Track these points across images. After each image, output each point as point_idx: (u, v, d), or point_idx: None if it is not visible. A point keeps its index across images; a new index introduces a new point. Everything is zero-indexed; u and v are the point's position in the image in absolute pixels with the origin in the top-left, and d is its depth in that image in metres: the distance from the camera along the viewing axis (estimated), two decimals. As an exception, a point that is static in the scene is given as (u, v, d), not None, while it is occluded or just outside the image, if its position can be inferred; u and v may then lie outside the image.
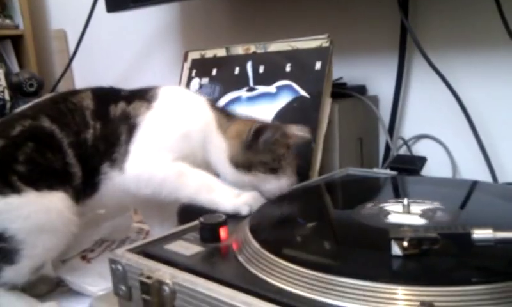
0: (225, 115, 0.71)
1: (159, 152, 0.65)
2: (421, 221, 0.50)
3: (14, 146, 0.61)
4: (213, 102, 0.75)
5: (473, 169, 0.84)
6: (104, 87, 0.69)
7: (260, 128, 0.67)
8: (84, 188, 0.64)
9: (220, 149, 0.68)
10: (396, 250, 0.42)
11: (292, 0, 1.09)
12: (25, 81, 1.61)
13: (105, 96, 0.68)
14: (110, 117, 0.66)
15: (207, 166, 0.69)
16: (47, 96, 0.69)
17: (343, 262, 0.46)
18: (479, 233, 0.40)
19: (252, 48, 0.96)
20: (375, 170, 0.82)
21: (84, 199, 0.65)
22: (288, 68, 0.89)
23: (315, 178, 0.80)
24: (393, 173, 0.76)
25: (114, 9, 1.23)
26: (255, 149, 0.67)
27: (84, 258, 0.73)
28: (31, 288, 0.66)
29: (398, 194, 0.67)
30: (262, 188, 0.67)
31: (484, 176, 0.81)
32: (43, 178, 0.61)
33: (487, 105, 0.84)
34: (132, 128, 0.66)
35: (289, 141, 0.69)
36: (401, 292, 0.37)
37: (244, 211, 0.62)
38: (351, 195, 0.70)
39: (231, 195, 0.64)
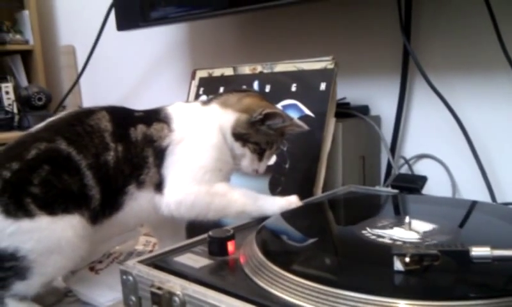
0: (232, 92, 0.75)
1: (198, 177, 0.69)
2: (422, 239, 0.52)
3: (29, 169, 0.62)
4: (209, 97, 0.78)
5: (472, 189, 0.86)
6: (117, 107, 0.71)
7: (271, 114, 0.71)
8: (103, 209, 0.66)
9: (228, 121, 0.71)
10: (398, 265, 0.44)
11: (298, 23, 1.12)
12: (33, 95, 1.65)
13: (122, 118, 0.69)
14: (132, 139, 0.67)
15: None
16: (60, 115, 0.69)
17: (347, 276, 0.48)
18: (477, 251, 0.42)
19: (259, 68, 0.98)
20: (377, 188, 0.84)
21: (103, 219, 0.67)
22: (293, 88, 0.92)
23: (318, 194, 0.82)
24: (395, 191, 0.78)
25: (125, 28, 1.26)
26: (257, 129, 0.71)
27: (92, 269, 0.75)
28: (39, 298, 0.68)
29: (399, 212, 0.70)
30: (241, 165, 0.73)
31: (483, 196, 0.83)
32: (59, 200, 0.62)
33: (486, 126, 0.86)
34: (159, 152, 0.68)
35: (288, 130, 0.74)
36: (403, 306, 0.39)
37: (290, 207, 0.69)
38: (354, 211, 0.72)
39: (273, 199, 0.71)
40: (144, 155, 0.67)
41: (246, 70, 1.01)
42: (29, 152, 0.63)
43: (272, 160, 0.90)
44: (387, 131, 0.98)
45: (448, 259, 0.44)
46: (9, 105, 1.76)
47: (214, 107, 0.73)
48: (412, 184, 0.78)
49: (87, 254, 0.67)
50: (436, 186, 0.90)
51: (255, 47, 1.23)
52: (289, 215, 0.67)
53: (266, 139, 0.72)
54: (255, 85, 0.97)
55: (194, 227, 0.73)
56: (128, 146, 0.66)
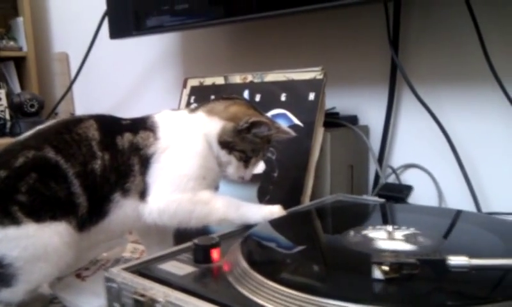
0: (218, 100, 0.76)
1: (181, 185, 0.69)
2: (403, 247, 0.53)
3: (16, 177, 0.62)
4: (197, 105, 0.79)
5: (458, 199, 0.87)
6: (105, 115, 0.72)
7: (257, 122, 0.71)
8: (90, 216, 0.66)
9: (214, 129, 0.72)
10: (377, 274, 0.44)
11: (289, 34, 1.14)
12: (26, 102, 1.65)
13: (110, 126, 0.70)
14: (118, 148, 0.68)
15: None
16: (49, 123, 0.70)
17: (328, 284, 0.48)
18: (455, 260, 0.43)
19: (249, 78, 0.99)
20: (364, 197, 0.85)
21: (90, 226, 0.67)
22: (283, 98, 0.93)
23: (306, 203, 0.83)
24: (381, 200, 0.79)
25: (117, 36, 1.27)
26: (243, 138, 0.71)
27: (78, 276, 0.75)
28: (25, 305, 0.67)
29: (384, 221, 0.70)
30: (227, 172, 0.73)
31: (468, 205, 0.84)
32: (46, 208, 0.62)
33: (472, 137, 0.87)
34: (145, 160, 0.69)
35: (275, 137, 0.75)
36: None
37: (272, 217, 0.69)
38: (340, 220, 0.72)
39: (257, 208, 0.71)
40: (130, 163, 0.67)
41: (236, 79, 1.02)
42: (17, 160, 0.63)
43: (261, 168, 0.91)
44: (375, 141, 0.99)
45: (427, 268, 0.44)
46: (2, 111, 1.75)
47: (201, 115, 0.74)
48: (398, 193, 0.79)
49: (73, 261, 0.67)
50: (423, 195, 0.91)
51: (247, 57, 1.24)
52: (275, 224, 0.68)
53: (252, 147, 0.72)
54: (246, 94, 0.98)
55: (182, 234, 0.74)
56: (115, 155, 0.67)
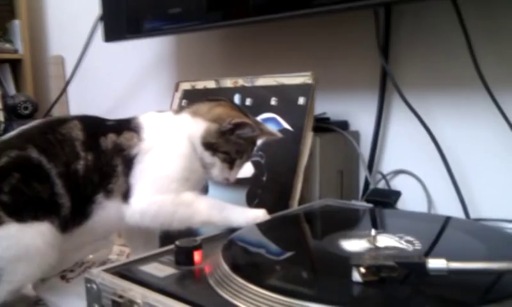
0: (203, 102, 0.76)
1: (163, 186, 0.69)
2: (384, 251, 0.52)
3: None
4: (182, 106, 0.79)
5: (447, 205, 0.87)
6: (90, 116, 0.72)
7: (240, 124, 0.71)
8: (73, 217, 0.66)
9: (198, 131, 0.71)
10: (356, 276, 0.44)
11: (281, 39, 1.14)
12: (20, 104, 1.65)
13: (94, 127, 0.69)
14: (102, 149, 0.68)
15: None
16: (32, 123, 0.70)
17: (307, 287, 0.48)
18: (433, 263, 0.43)
19: (240, 82, 0.99)
20: (353, 202, 0.84)
21: (73, 227, 0.67)
22: (273, 102, 0.92)
23: (294, 207, 0.83)
24: (369, 205, 0.79)
25: (112, 40, 1.27)
26: (227, 139, 0.71)
27: (63, 277, 0.74)
28: (8, 306, 0.67)
29: (370, 226, 0.70)
30: (212, 174, 0.72)
31: (457, 211, 0.83)
32: (29, 208, 0.62)
33: (461, 143, 0.87)
34: (128, 161, 0.68)
35: (260, 138, 0.75)
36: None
37: (256, 221, 0.68)
38: (325, 225, 0.72)
39: (241, 211, 0.70)
40: (113, 164, 0.67)
41: (228, 83, 1.02)
42: (0, 160, 0.63)
43: (250, 172, 0.91)
44: (366, 146, 0.99)
45: (406, 271, 0.44)
46: (-4, 113, 1.75)
47: (185, 116, 0.74)
48: (386, 199, 0.79)
49: (56, 263, 0.66)
50: (413, 201, 0.91)
51: (240, 61, 1.24)
52: (260, 227, 0.67)
53: (236, 149, 0.72)
54: (236, 98, 0.98)
55: (169, 236, 0.73)
56: (98, 155, 0.67)
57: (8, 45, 1.90)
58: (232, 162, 0.72)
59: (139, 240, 0.76)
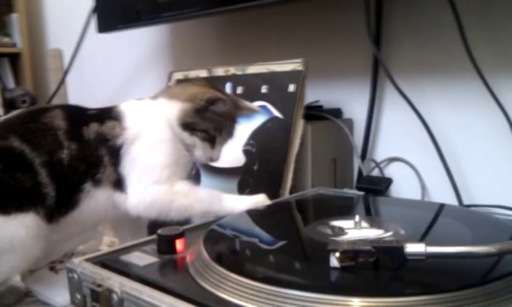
0: (178, 84, 0.76)
1: (156, 175, 0.68)
2: (366, 236, 0.52)
3: None
4: (158, 92, 0.78)
5: (441, 192, 0.85)
6: (72, 105, 0.71)
7: (213, 99, 0.70)
8: (58, 207, 0.66)
9: (174, 113, 0.71)
10: (334, 262, 0.43)
11: (275, 26, 1.13)
12: (18, 97, 1.65)
13: (76, 116, 0.69)
14: (85, 138, 0.67)
15: None
16: (14, 112, 0.69)
17: (286, 274, 0.47)
18: (411, 247, 0.42)
19: (232, 70, 0.98)
20: (344, 190, 0.83)
21: (59, 217, 0.66)
22: (264, 90, 0.91)
23: (285, 196, 0.82)
24: (360, 193, 0.78)
25: (105, 30, 1.27)
26: (203, 116, 0.70)
27: (52, 268, 0.74)
28: (-1, 298, 0.67)
29: (357, 213, 0.69)
30: (195, 155, 0.72)
31: (451, 198, 0.82)
32: (12, 199, 0.62)
33: (453, 130, 0.86)
34: (114, 151, 0.68)
35: (237, 113, 0.74)
36: (333, 302, 0.39)
37: (257, 206, 0.69)
38: (312, 213, 0.71)
39: (241, 198, 0.71)
40: (98, 154, 0.67)
41: (219, 71, 1.01)
42: None
43: (241, 161, 0.90)
44: (360, 134, 0.97)
45: (384, 256, 0.43)
46: (-5, 107, 1.76)
47: (161, 101, 0.73)
48: (377, 186, 0.78)
49: (43, 254, 0.66)
50: (406, 188, 0.90)
51: (234, 49, 1.23)
52: (245, 216, 0.67)
53: (214, 125, 0.71)
54: (228, 86, 0.97)
55: (156, 226, 0.73)
56: (82, 144, 0.66)
57: (6, 39, 1.90)
58: (212, 140, 0.72)
59: (127, 230, 0.76)
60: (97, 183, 0.67)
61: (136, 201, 0.68)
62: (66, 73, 1.62)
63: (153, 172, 0.68)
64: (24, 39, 1.91)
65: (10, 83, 1.93)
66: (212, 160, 0.73)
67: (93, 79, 1.70)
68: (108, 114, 0.70)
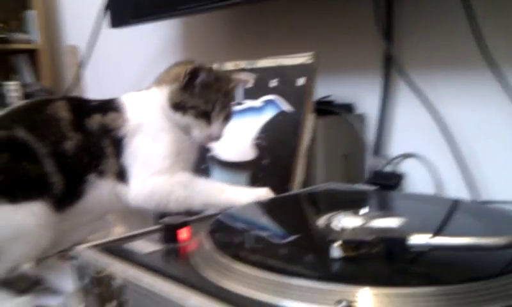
0: (165, 69, 0.75)
1: (156, 166, 0.69)
2: (369, 227, 0.50)
3: None
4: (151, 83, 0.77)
5: (455, 188, 0.83)
6: (76, 97, 0.72)
7: (196, 70, 0.69)
8: (65, 197, 0.66)
9: (164, 97, 0.70)
10: (335, 252, 0.42)
11: (289, 20, 1.12)
12: (35, 93, 1.68)
13: (80, 108, 0.69)
14: (88, 129, 0.68)
15: None
16: (21, 103, 0.70)
17: (289, 263, 0.46)
18: (415, 238, 0.41)
19: (242, 65, 0.98)
20: (355, 185, 0.82)
21: (66, 207, 0.67)
22: (274, 84, 0.91)
23: (294, 190, 0.81)
24: (371, 187, 0.76)
25: (117, 25, 1.28)
26: (191, 92, 0.69)
27: (61, 257, 0.75)
28: (10, 284, 0.68)
29: (364, 206, 0.67)
30: (193, 136, 0.71)
31: (465, 194, 0.80)
32: (20, 187, 0.63)
33: (467, 125, 0.84)
34: (116, 142, 0.68)
35: (229, 86, 0.73)
36: (335, 291, 0.38)
37: (261, 198, 0.67)
38: (320, 207, 0.70)
39: (243, 191, 0.69)
40: (101, 145, 0.67)
41: (229, 66, 1.00)
42: None
43: (252, 155, 0.89)
44: (372, 130, 0.96)
45: (387, 247, 0.42)
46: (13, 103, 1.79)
47: (153, 89, 0.73)
48: (387, 181, 0.76)
49: (52, 243, 0.67)
50: (420, 185, 0.88)
51: (245, 44, 1.23)
52: (252, 208, 0.66)
53: (204, 100, 0.70)
54: (238, 81, 0.97)
55: (165, 215, 0.73)
56: (86, 135, 0.67)
57: (24, 36, 1.94)
58: (206, 116, 0.70)
59: (136, 221, 0.76)
60: (101, 174, 0.67)
61: (135, 192, 0.68)
62: (82, 68, 1.64)
63: (154, 163, 0.68)
64: (42, 36, 1.94)
65: (29, 79, 1.97)
66: (212, 138, 0.71)
67: (108, 75, 1.71)
68: (110, 106, 0.71)
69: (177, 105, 0.70)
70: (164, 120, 0.70)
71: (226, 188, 0.70)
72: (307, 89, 0.85)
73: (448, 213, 0.59)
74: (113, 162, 0.67)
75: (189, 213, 0.65)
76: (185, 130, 0.71)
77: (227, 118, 0.73)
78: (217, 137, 0.72)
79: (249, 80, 0.75)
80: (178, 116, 0.70)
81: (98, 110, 0.69)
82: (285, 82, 0.89)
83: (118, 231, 0.86)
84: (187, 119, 0.70)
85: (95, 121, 0.68)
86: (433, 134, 0.86)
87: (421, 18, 0.89)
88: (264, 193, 0.70)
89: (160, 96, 0.71)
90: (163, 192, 0.67)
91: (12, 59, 1.98)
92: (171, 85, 0.70)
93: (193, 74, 0.69)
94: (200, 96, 0.69)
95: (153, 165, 0.68)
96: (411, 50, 0.90)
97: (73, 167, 0.65)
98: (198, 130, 0.70)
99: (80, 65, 1.62)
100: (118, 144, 0.68)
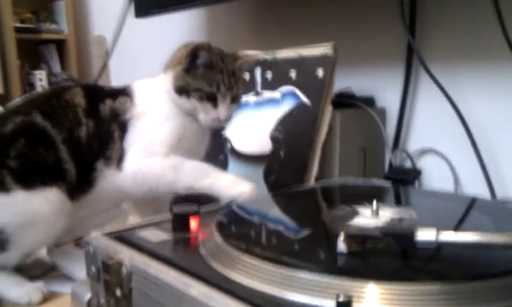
0: (173, 53, 0.75)
1: (152, 150, 0.68)
2: (378, 223, 0.49)
3: (5, 142, 0.64)
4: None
5: (474, 185, 0.81)
6: (91, 84, 0.73)
7: (195, 49, 0.68)
8: (79, 184, 0.67)
9: (169, 82, 0.70)
10: (341, 246, 0.42)
11: (311, 11, 1.10)
12: (62, 81, 1.71)
13: (94, 94, 0.70)
14: (101, 115, 0.68)
15: None
16: (40, 91, 0.72)
17: (297, 257, 0.46)
18: (422, 234, 0.40)
19: (262, 55, 0.97)
20: (373, 180, 0.81)
21: (79, 195, 0.68)
22: (293, 75, 0.90)
23: (310, 183, 0.80)
24: (387, 182, 0.75)
25: (142, 15, 1.29)
26: (193, 74, 0.68)
27: (77, 244, 0.76)
28: (26, 270, 0.70)
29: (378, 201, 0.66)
30: (200, 119, 0.69)
31: (485, 192, 0.78)
32: (36, 173, 0.63)
33: (489, 121, 0.81)
34: (123, 125, 0.69)
35: (236, 65, 0.71)
36: (343, 285, 0.37)
37: (240, 197, 0.64)
38: (332, 200, 0.69)
39: (228, 182, 0.67)
40: (110, 130, 0.68)
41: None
42: (6, 126, 0.65)
43: (268, 148, 0.89)
44: (391, 123, 0.94)
45: (393, 242, 0.41)
46: (42, 91, 1.84)
47: (160, 76, 0.73)
48: (405, 176, 0.75)
49: (66, 230, 0.68)
50: (439, 181, 0.86)
51: (265, 34, 1.22)
52: (265, 200, 0.66)
53: (208, 81, 0.68)
54: (257, 71, 0.96)
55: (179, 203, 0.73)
56: (98, 122, 0.68)
57: (53, 26, 1.98)
58: (212, 98, 0.69)
59: (150, 210, 0.76)
60: (107, 161, 0.67)
61: (129, 174, 0.67)
62: (107, 58, 1.66)
63: (150, 147, 0.68)
64: (70, 26, 1.98)
65: (57, 69, 2.01)
66: (220, 121, 0.69)
67: (133, 64, 1.73)
68: (121, 92, 0.71)
69: (181, 89, 0.69)
70: (170, 106, 0.70)
71: (212, 174, 0.67)
72: (326, 80, 0.84)
73: (463, 211, 0.57)
74: (118, 146, 0.68)
75: (199, 201, 0.65)
76: (193, 114, 0.70)
77: (235, 99, 0.71)
78: (225, 120, 0.70)
79: (257, 56, 0.72)
80: (183, 100, 0.69)
81: (111, 96, 0.70)
82: (303, 72, 0.88)
83: (133, 220, 0.87)
84: (192, 103, 0.68)
85: (107, 106, 0.69)
86: (454, 130, 0.84)
87: (445, 10, 0.86)
88: (247, 189, 0.66)
89: (166, 81, 0.71)
90: (154, 175, 0.67)
91: (41, 48, 2.03)
92: (175, 68, 0.70)
93: (193, 54, 0.68)
94: (203, 77, 0.68)
95: (149, 149, 0.68)
96: (434, 43, 0.88)
97: (86, 154, 0.66)
98: (204, 114, 0.69)
99: (108, 56, 1.65)
100: (123, 128, 0.68)
